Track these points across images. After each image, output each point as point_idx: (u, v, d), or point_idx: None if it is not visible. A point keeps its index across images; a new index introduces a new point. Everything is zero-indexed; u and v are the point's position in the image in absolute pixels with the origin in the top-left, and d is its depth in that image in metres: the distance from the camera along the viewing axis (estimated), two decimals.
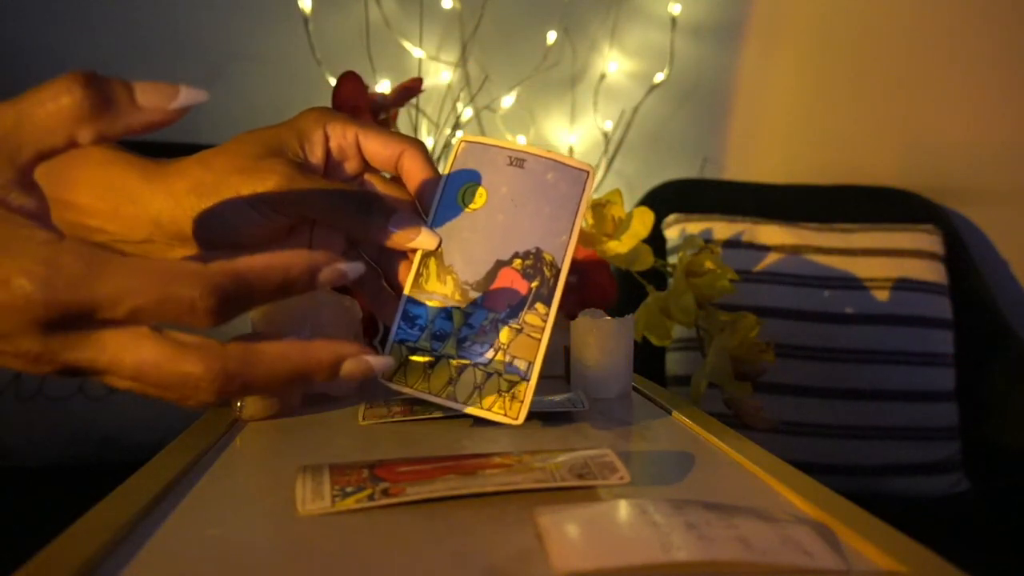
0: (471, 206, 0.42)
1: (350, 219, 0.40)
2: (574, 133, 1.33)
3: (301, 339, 0.30)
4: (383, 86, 1.19)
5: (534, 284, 0.41)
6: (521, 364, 0.40)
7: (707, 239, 1.12)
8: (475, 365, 0.41)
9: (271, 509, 0.32)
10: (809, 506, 0.33)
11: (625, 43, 1.34)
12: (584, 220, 0.69)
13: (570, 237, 0.41)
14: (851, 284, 1.11)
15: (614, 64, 1.33)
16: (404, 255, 0.43)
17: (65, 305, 0.25)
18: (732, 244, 1.13)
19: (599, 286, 0.70)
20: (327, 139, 0.42)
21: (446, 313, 0.41)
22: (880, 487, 1.05)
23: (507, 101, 1.29)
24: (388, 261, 0.44)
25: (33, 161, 0.27)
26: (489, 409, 0.40)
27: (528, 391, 0.40)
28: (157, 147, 0.49)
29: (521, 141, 1.31)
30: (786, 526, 0.29)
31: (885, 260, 1.13)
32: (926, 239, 1.16)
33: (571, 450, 0.36)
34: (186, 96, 0.28)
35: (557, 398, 0.50)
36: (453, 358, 0.41)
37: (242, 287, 0.27)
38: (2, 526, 0.76)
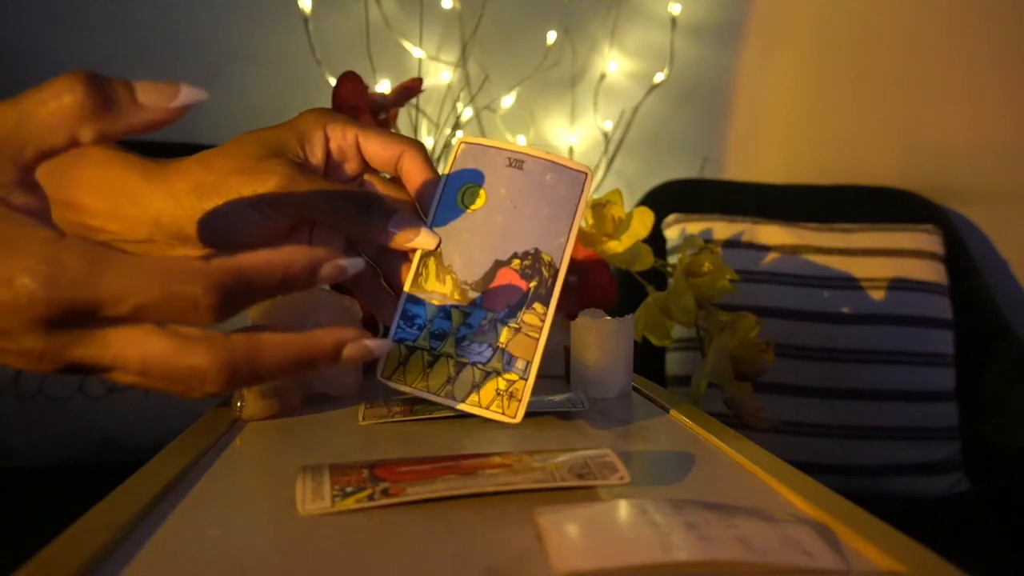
0: (470, 207, 0.43)
1: (350, 220, 0.40)
2: (574, 133, 1.33)
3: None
4: (383, 86, 1.19)
5: (532, 284, 0.41)
6: (519, 363, 0.41)
7: (707, 239, 1.12)
8: (474, 364, 0.41)
9: (271, 509, 0.32)
10: (809, 506, 0.33)
11: (625, 43, 1.34)
12: (584, 220, 0.69)
13: (568, 238, 0.42)
14: (851, 284, 1.11)
15: (614, 64, 1.33)
16: (404, 255, 0.43)
17: (68, 303, 0.25)
18: (732, 244, 1.13)
19: (599, 286, 0.70)
20: (327, 140, 0.42)
21: (445, 313, 0.42)
22: (880, 487, 1.05)
23: (507, 101, 1.29)
24: (387, 261, 0.44)
25: (35, 160, 0.27)
26: (487, 408, 0.40)
27: (526, 390, 0.40)
28: (157, 147, 0.49)
29: (521, 141, 1.31)
30: (786, 526, 0.29)
31: (885, 260, 1.13)
32: (926, 239, 1.16)
33: (571, 450, 0.36)
34: (187, 95, 0.28)
35: (557, 398, 0.50)
36: (452, 357, 0.41)
37: (243, 283, 0.27)
38: (2, 526, 0.76)
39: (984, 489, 1.06)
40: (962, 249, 1.22)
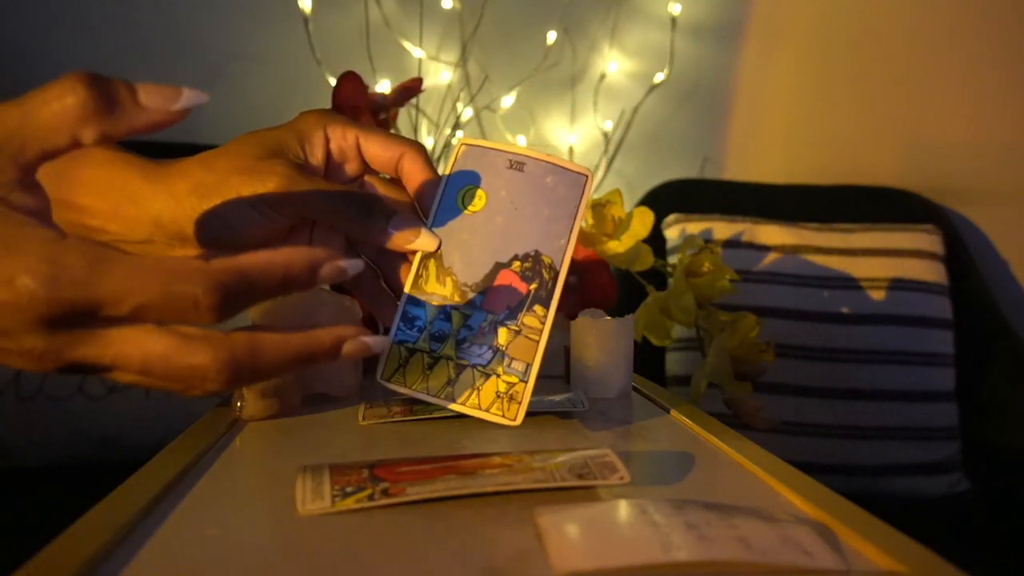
0: (471, 208, 0.43)
1: (350, 220, 0.40)
2: (574, 133, 1.33)
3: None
4: (383, 86, 1.19)
5: (532, 286, 0.41)
6: (519, 366, 0.41)
7: (707, 239, 1.12)
8: (473, 366, 0.41)
9: (271, 509, 0.32)
10: (809, 506, 0.33)
11: (625, 43, 1.34)
12: (584, 220, 0.69)
13: (568, 240, 0.42)
14: (851, 284, 1.11)
15: (614, 64, 1.33)
16: (404, 256, 0.43)
17: (69, 303, 0.26)
18: (732, 244, 1.13)
19: (599, 286, 0.70)
20: (327, 141, 0.42)
21: (445, 314, 0.41)
22: (880, 487, 1.05)
23: (507, 101, 1.29)
24: (388, 262, 0.44)
25: (37, 161, 0.27)
26: (487, 410, 0.40)
27: (526, 392, 0.40)
28: (157, 147, 0.49)
29: (521, 141, 1.31)
30: (786, 526, 0.29)
31: (885, 260, 1.13)
32: (926, 239, 1.16)
33: (571, 450, 0.36)
34: (188, 97, 0.29)
35: (557, 398, 0.50)
36: (452, 359, 0.41)
37: (244, 283, 0.28)
38: (2, 526, 0.76)
39: (984, 489, 1.06)
40: (962, 249, 1.22)
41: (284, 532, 0.30)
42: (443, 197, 0.43)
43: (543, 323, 0.41)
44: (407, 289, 0.42)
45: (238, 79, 1.25)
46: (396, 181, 0.44)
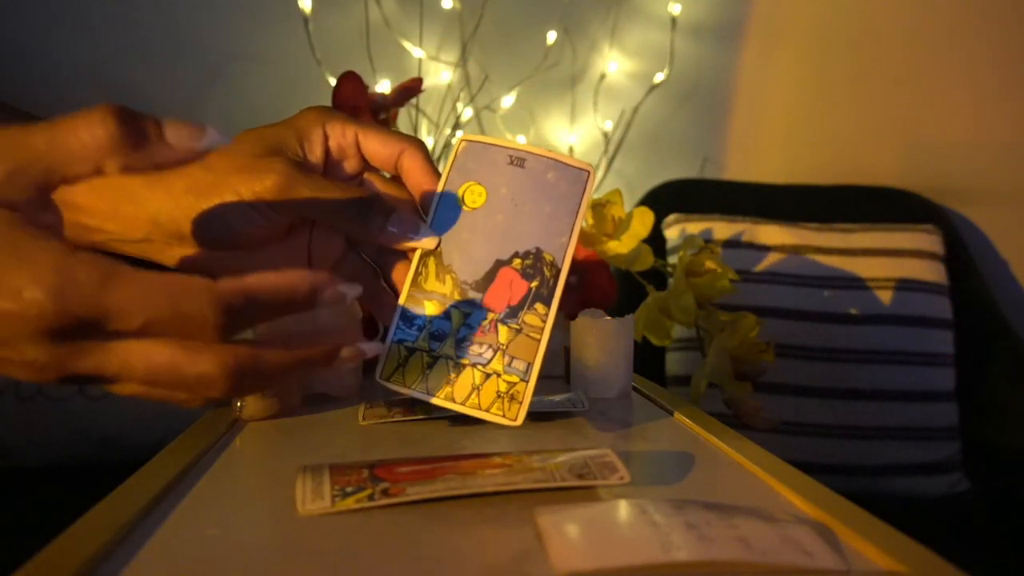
0: (471, 205, 0.42)
1: (349, 219, 0.40)
2: (574, 133, 1.33)
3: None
4: (383, 86, 1.19)
5: (534, 284, 0.41)
6: (520, 365, 0.40)
7: (707, 239, 1.12)
8: (474, 366, 0.40)
9: (271, 509, 0.32)
10: (809, 506, 0.33)
11: (625, 43, 1.33)
12: (584, 220, 0.69)
13: (570, 237, 0.41)
14: (851, 284, 1.11)
15: (614, 64, 1.33)
16: (403, 255, 0.43)
17: (76, 315, 0.26)
18: (732, 244, 1.13)
19: (599, 286, 0.70)
20: (326, 138, 0.42)
21: (445, 313, 0.41)
22: (880, 487, 1.05)
23: (507, 101, 1.29)
24: (387, 261, 0.44)
25: (57, 184, 0.28)
26: (487, 410, 0.40)
27: (527, 392, 0.40)
28: None
29: (521, 141, 1.31)
30: (786, 526, 0.29)
31: (885, 260, 1.13)
32: (926, 239, 1.16)
33: (571, 450, 0.36)
34: (211, 138, 0.29)
35: (557, 398, 0.50)
36: (451, 359, 0.41)
37: (249, 304, 0.28)
38: (2, 526, 0.76)
39: (984, 489, 1.06)
40: (962, 249, 1.22)
41: (284, 532, 0.30)
42: (443, 194, 0.42)
43: (544, 321, 0.40)
44: (406, 287, 0.42)
45: (238, 79, 1.25)
46: (396, 179, 0.44)
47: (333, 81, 1.04)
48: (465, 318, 0.41)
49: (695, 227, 1.15)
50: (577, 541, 0.27)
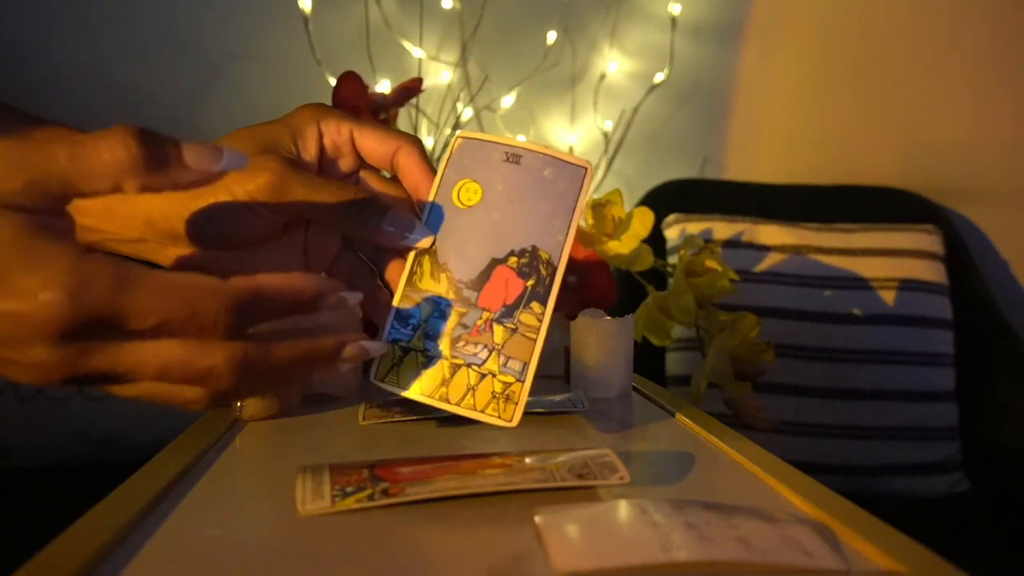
0: (466, 203, 0.41)
1: (343, 218, 0.39)
2: (574, 133, 1.33)
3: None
4: (383, 86, 1.19)
5: (530, 283, 0.40)
6: (516, 365, 0.39)
7: (707, 239, 1.12)
8: (469, 365, 0.40)
9: (271, 509, 0.32)
10: (809, 506, 0.33)
11: (625, 43, 1.33)
12: (584, 220, 0.69)
13: (567, 235, 0.40)
14: (851, 284, 1.11)
15: (614, 64, 1.33)
16: (399, 253, 0.43)
17: (92, 316, 0.26)
18: (732, 244, 1.13)
19: (599, 286, 0.70)
20: (321, 136, 0.41)
21: (440, 312, 0.41)
22: (880, 487, 1.05)
23: (507, 101, 1.29)
24: (383, 259, 0.44)
25: (74, 197, 0.29)
26: (483, 411, 0.39)
27: (523, 393, 0.39)
28: None
29: (521, 140, 1.31)
30: (786, 526, 0.29)
31: (885, 260, 1.13)
32: (926, 239, 1.16)
33: (571, 450, 0.36)
34: (228, 160, 0.30)
35: (557, 398, 0.50)
36: (447, 358, 0.40)
37: (258, 304, 0.29)
38: (2, 526, 0.76)
39: (984, 489, 1.06)
40: (962, 249, 1.22)
41: (284, 532, 0.30)
42: (439, 192, 0.42)
43: (540, 321, 0.39)
44: (401, 286, 0.41)
45: (238, 79, 1.25)
46: (395, 177, 0.44)
47: (333, 81, 1.04)
48: (460, 317, 0.40)
49: (695, 227, 1.15)
50: (577, 541, 0.27)
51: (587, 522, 0.28)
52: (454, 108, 1.27)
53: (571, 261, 0.71)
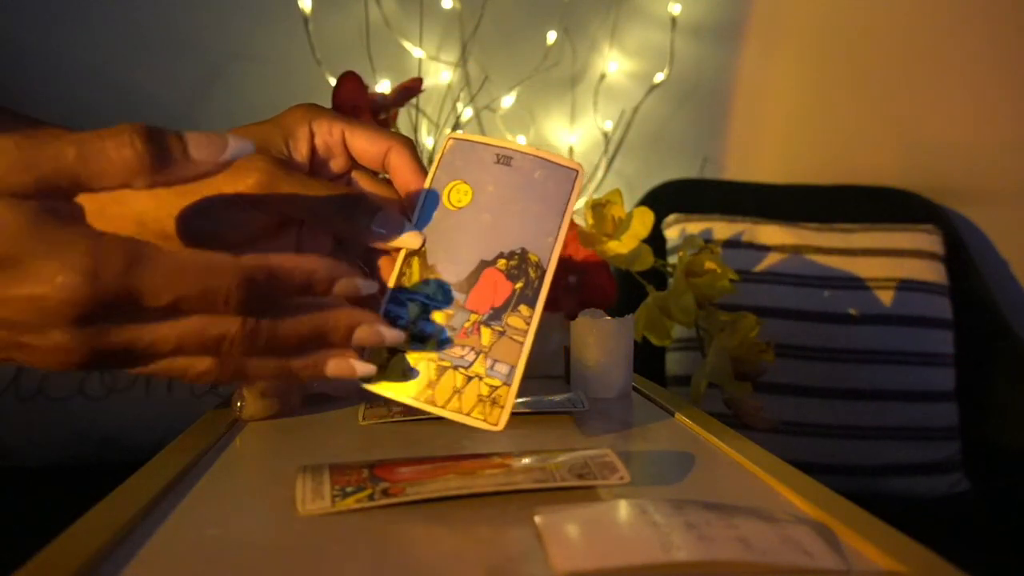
0: (456, 205, 0.41)
1: (333, 218, 0.39)
2: (574, 133, 1.33)
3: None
4: (383, 86, 1.19)
5: (518, 285, 0.39)
6: (503, 368, 0.39)
7: (707, 239, 1.12)
8: (455, 368, 0.39)
9: (271, 509, 0.32)
10: (809, 506, 0.33)
11: (625, 43, 1.34)
12: (584, 220, 0.69)
13: (557, 237, 0.40)
14: (851, 284, 1.11)
15: (614, 64, 1.33)
16: (390, 254, 0.43)
17: (110, 296, 0.27)
18: (732, 244, 1.13)
19: (599, 286, 0.70)
20: (312, 136, 0.41)
21: (427, 314, 0.40)
22: (880, 487, 1.05)
23: (507, 101, 1.29)
24: (374, 260, 0.43)
25: (83, 192, 0.29)
26: (469, 414, 0.38)
27: (509, 396, 0.38)
28: None
29: (521, 141, 1.31)
30: (786, 526, 0.29)
31: (885, 260, 1.13)
32: (926, 239, 1.16)
33: (571, 450, 0.36)
34: (234, 149, 0.30)
35: (557, 398, 0.50)
36: (433, 361, 0.39)
37: (270, 281, 0.30)
38: (2, 526, 0.76)
39: (984, 489, 1.06)
40: (962, 249, 1.22)
41: (284, 532, 0.30)
42: (429, 193, 0.41)
43: (528, 324, 0.39)
44: (389, 287, 0.41)
45: (238, 79, 1.25)
46: (387, 177, 0.44)
47: (333, 81, 1.04)
48: (448, 319, 0.40)
49: (695, 227, 1.15)
50: (577, 541, 0.27)
51: (587, 522, 0.28)
52: (454, 108, 1.27)
53: (571, 261, 0.71)
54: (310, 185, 0.39)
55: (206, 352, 0.30)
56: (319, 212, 0.39)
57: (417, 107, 1.25)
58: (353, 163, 0.43)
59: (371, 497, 0.31)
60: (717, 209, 1.19)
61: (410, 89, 0.83)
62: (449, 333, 0.40)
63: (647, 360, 1.08)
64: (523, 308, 0.39)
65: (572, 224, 0.68)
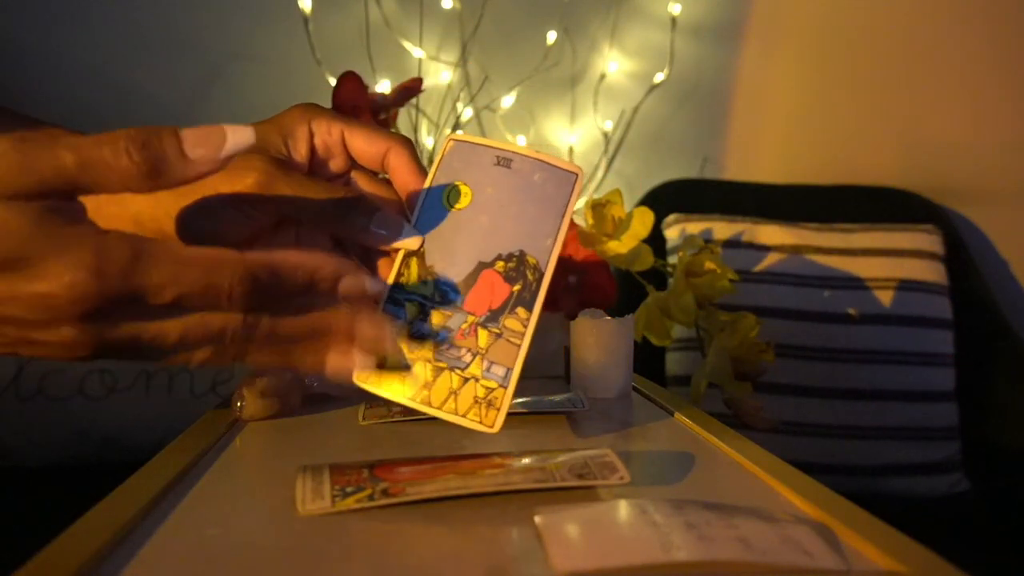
0: (456, 206, 0.41)
1: (330, 218, 0.39)
2: (574, 133, 1.33)
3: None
4: (383, 86, 1.19)
5: (516, 288, 0.39)
6: (499, 370, 0.38)
7: (707, 239, 1.12)
8: (452, 369, 0.39)
9: (271, 509, 0.32)
10: (809, 506, 0.33)
11: (625, 43, 1.34)
12: (584, 220, 0.69)
13: (555, 240, 0.40)
14: (851, 284, 1.11)
15: (614, 64, 1.33)
16: (388, 254, 0.43)
17: (117, 292, 0.27)
18: (732, 244, 1.13)
19: (599, 286, 0.70)
20: (311, 135, 0.41)
21: (425, 315, 0.40)
22: (880, 487, 1.05)
23: (507, 101, 1.29)
24: (373, 260, 0.43)
25: (81, 195, 0.29)
26: (464, 415, 0.38)
27: (505, 398, 0.38)
28: None
29: (521, 141, 1.31)
30: (786, 526, 0.29)
31: (885, 260, 1.13)
32: (926, 239, 1.16)
33: (571, 450, 0.36)
34: (233, 142, 0.30)
35: (557, 398, 0.50)
36: (430, 361, 0.39)
37: (273, 278, 0.30)
38: (2, 526, 0.76)
39: (984, 489, 1.06)
40: (962, 249, 1.22)
41: (284, 532, 0.30)
42: (428, 194, 0.41)
43: (526, 326, 0.39)
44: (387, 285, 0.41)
45: (238, 79, 1.25)
46: (387, 178, 0.44)
47: (333, 81, 1.04)
48: (445, 320, 0.40)
49: (695, 227, 1.15)
50: (577, 541, 0.27)
51: (587, 522, 0.28)
52: (454, 108, 1.27)
53: (571, 261, 0.71)
54: (309, 185, 0.39)
55: (209, 344, 0.31)
56: (317, 212, 0.39)
57: (417, 107, 1.25)
58: (352, 163, 0.43)
59: (371, 497, 0.31)
60: (717, 209, 1.19)
61: (410, 89, 0.83)
62: (446, 334, 0.40)
63: (647, 360, 1.08)
64: (520, 311, 0.39)
65: (572, 224, 0.68)
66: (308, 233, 0.42)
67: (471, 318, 0.40)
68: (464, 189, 0.41)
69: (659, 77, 1.32)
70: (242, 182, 0.37)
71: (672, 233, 1.17)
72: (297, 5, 1.19)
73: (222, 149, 0.30)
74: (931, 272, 1.13)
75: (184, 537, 0.29)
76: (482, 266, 0.40)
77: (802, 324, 1.09)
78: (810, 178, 1.33)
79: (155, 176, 0.29)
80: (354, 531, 0.29)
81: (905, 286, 1.11)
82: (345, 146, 0.42)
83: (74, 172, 0.28)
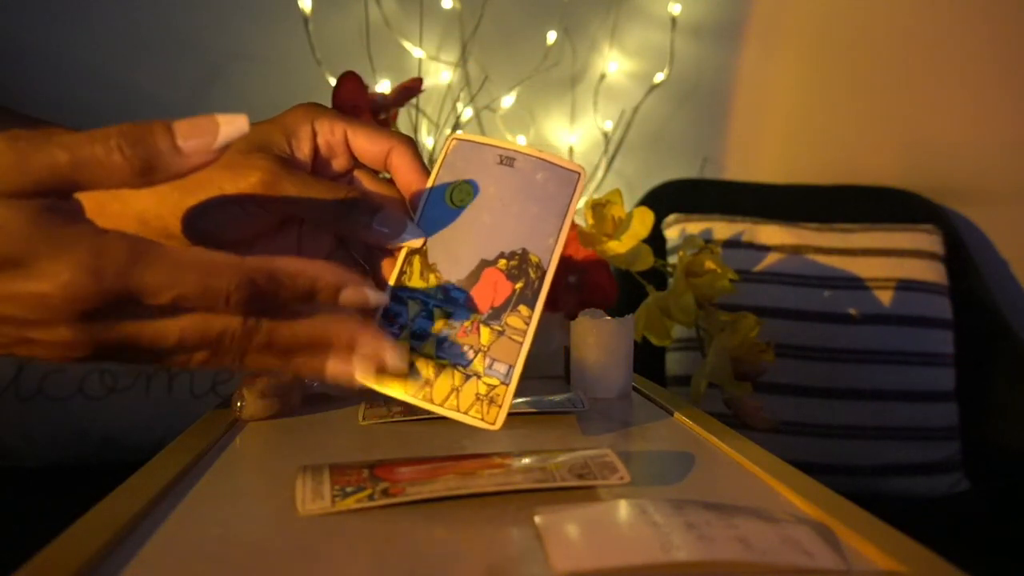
0: (458, 204, 0.41)
1: (334, 216, 0.39)
2: (574, 133, 1.33)
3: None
4: (383, 86, 1.19)
5: (518, 286, 0.40)
6: (501, 367, 0.39)
7: (707, 239, 1.12)
8: (454, 366, 0.39)
9: (271, 509, 0.32)
10: (809, 506, 0.33)
11: (625, 43, 1.34)
12: (584, 220, 0.69)
13: (558, 239, 0.40)
14: (851, 284, 1.11)
15: (614, 64, 1.33)
16: (391, 253, 0.43)
17: (114, 294, 0.27)
18: (732, 244, 1.13)
19: (599, 286, 0.70)
20: (314, 135, 0.41)
21: (427, 312, 0.40)
22: (880, 487, 1.05)
23: (507, 101, 1.29)
24: (376, 259, 0.43)
25: (79, 192, 0.29)
26: (466, 412, 0.38)
27: (507, 395, 0.38)
28: None
29: (521, 141, 1.31)
30: (786, 526, 0.29)
31: (885, 260, 1.13)
32: (926, 239, 1.16)
33: (571, 450, 0.36)
34: (226, 131, 0.30)
35: (557, 398, 0.50)
36: (432, 359, 0.39)
37: (272, 284, 0.30)
38: (2, 526, 0.76)
39: (984, 489, 1.06)
40: (962, 249, 1.22)
41: (284, 532, 0.30)
42: (431, 192, 0.42)
43: (527, 324, 0.39)
44: (389, 285, 0.41)
45: (238, 79, 1.25)
46: (390, 177, 0.44)
47: (333, 81, 1.04)
48: (447, 318, 0.40)
49: (695, 227, 1.15)
50: (577, 541, 0.27)
51: (587, 522, 0.28)
52: (454, 108, 1.27)
53: (571, 261, 0.71)
54: (313, 184, 0.39)
55: (207, 347, 0.31)
56: (321, 211, 0.39)
57: (417, 107, 1.25)
58: (355, 162, 0.43)
59: (371, 497, 0.31)
60: (717, 209, 1.19)
61: (410, 89, 0.83)
62: (448, 332, 0.40)
63: (647, 360, 1.08)
64: (523, 308, 0.39)
65: (572, 224, 0.68)
66: (311, 232, 0.42)
67: (473, 316, 0.40)
68: (467, 188, 0.42)
69: (659, 77, 1.32)
70: (246, 181, 0.37)
71: (672, 233, 1.17)
72: (297, 5, 1.19)
73: (215, 139, 0.29)
74: (931, 272, 1.13)
75: (184, 537, 0.29)
76: (484, 264, 0.40)
77: (802, 324, 1.09)
78: (810, 178, 1.33)
79: (148, 171, 0.29)
80: (354, 531, 0.29)
81: (905, 286, 1.11)
82: (348, 145, 0.42)
83: (68, 170, 0.28)
